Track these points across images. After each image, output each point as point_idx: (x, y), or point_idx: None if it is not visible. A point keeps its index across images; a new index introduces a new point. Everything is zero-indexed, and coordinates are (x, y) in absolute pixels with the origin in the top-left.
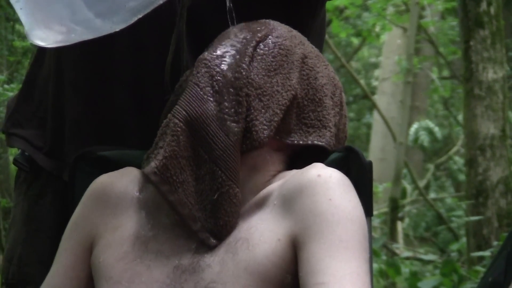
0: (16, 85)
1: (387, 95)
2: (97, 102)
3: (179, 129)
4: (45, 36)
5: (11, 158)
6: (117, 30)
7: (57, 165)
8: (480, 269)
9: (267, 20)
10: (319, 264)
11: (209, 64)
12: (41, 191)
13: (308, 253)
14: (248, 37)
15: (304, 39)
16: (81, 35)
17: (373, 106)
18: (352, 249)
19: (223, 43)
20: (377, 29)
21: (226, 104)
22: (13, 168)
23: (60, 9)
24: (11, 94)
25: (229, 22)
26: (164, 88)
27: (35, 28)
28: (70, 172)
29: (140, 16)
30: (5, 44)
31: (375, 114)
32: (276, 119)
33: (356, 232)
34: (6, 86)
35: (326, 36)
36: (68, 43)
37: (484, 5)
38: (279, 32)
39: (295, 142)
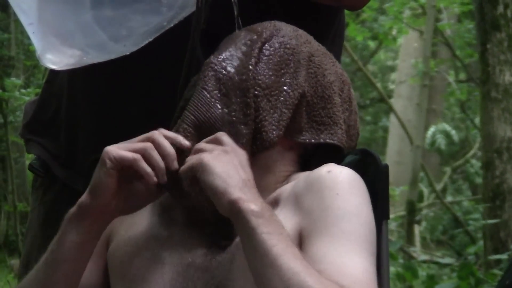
0: (33, 90)
1: (403, 98)
2: (109, 113)
3: (188, 134)
4: (57, 60)
5: (27, 163)
6: (128, 53)
7: (70, 175)
8: (497, 272)
9: (272, 21)
10: (318, 253)
11: (216, 67)
12: (57, 197)
13: (310, 244)
14: (253, 38)
15: (310, 37)
16: (92, 57)
17: (389, 109)
18: (355, 242)
19: (228, 46)
20: (394, 32)
21: (234, 107)
22: (29, 173)
23: (73, 32)
24: (27, 98)
25: (236, 29)
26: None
27: (47, 51)
28: (87, 174)
29: (150, 39)
30: (21, 49)
31: (392, 117)
32: (285, 118)
33: (361, 226)
34: (23, 90)
35: None
36: (79, 66)
37: (501, 8)
38: (284, 32)
39: (307, 140)
